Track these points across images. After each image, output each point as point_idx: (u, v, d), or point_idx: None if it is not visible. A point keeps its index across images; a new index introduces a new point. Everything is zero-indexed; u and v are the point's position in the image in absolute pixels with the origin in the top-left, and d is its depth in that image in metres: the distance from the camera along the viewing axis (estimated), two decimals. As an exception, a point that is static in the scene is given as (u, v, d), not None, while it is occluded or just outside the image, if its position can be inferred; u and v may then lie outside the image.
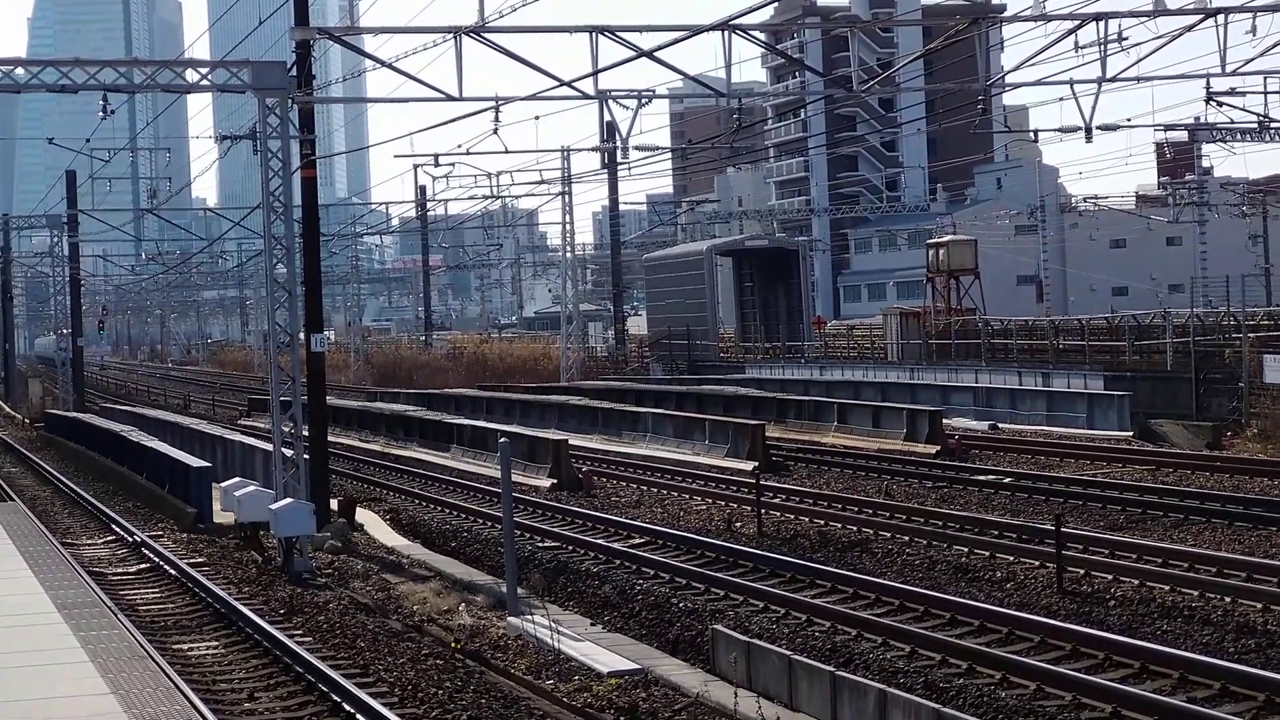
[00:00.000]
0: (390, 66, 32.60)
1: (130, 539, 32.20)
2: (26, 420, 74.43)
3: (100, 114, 34.42)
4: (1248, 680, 17.32)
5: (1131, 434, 46.33)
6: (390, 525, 34.41)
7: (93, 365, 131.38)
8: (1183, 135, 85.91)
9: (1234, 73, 36.84)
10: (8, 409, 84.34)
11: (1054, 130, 53.36)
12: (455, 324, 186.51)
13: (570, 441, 43.38)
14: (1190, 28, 34.09)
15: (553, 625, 21.21)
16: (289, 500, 28.93)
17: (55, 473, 47.40)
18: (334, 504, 33.74)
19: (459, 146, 57.03)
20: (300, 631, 22.24)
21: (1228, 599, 22.17)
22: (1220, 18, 33.67)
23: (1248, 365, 47.22)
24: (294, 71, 31.49)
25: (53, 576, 26.71)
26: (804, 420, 50.55)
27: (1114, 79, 34.99)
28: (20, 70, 30.64)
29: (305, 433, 31.69)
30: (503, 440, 24.53)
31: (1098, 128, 42.15)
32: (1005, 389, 54.81)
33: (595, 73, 32.29)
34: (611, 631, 22.57)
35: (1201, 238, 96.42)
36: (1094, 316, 70.74)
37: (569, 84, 32.58)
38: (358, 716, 17.22)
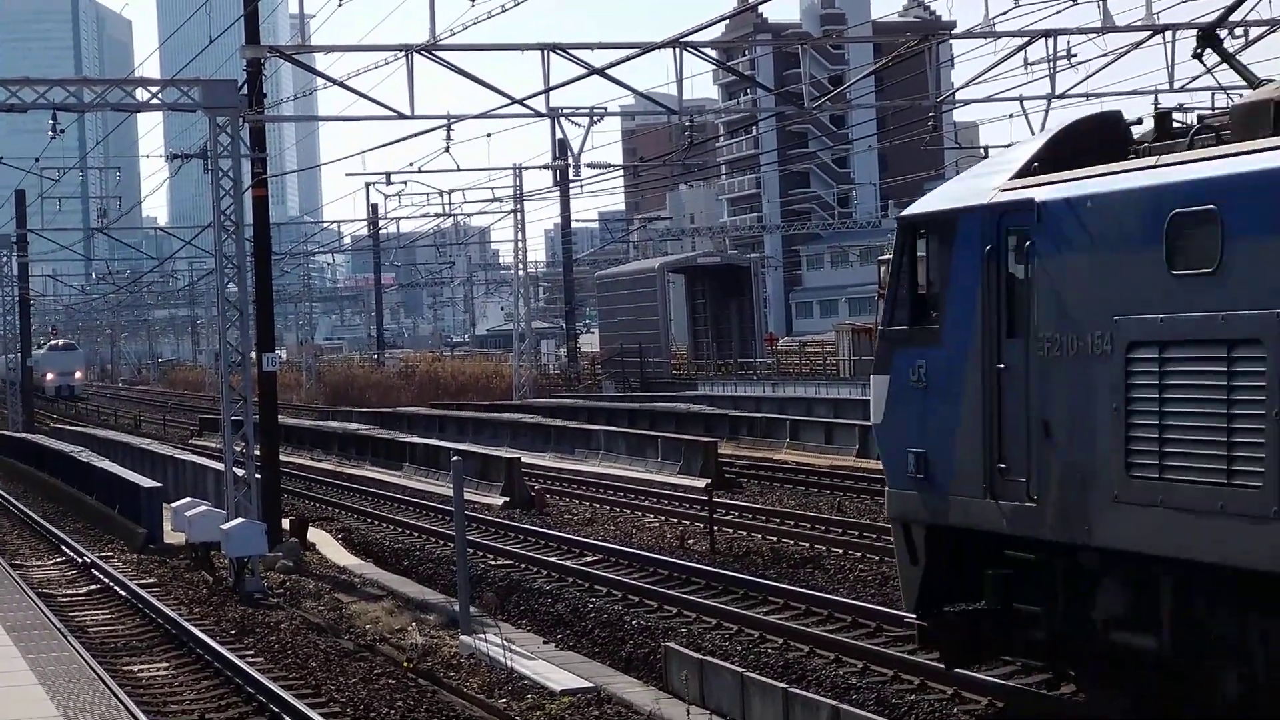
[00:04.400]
0: (342, 85, 32.59)
1: (80, 560, 32.02)
2: (-26, 441, 73.95)
3: (50, 133, 34.29)
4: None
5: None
6: (342, 544, 34.31)
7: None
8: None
9: (1182, 89, 37.10)
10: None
11: (1004, 146, 53.67)
12: (408, 342, 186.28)
13: (523, 459, 43.35)
14: (1138, 45, 34.34)
15: (505, 644, 21.18)
16: (240, 520, 28.82)
17: (3, 493, 47.08)
18: (286, 524, 33.62)
19: (411, 164, 57.05)
20: (251, 652, 22.15)
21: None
22: (1168, 35, 33.92)
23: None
24: (245, 90, 31.42)
25: (1, 598, 26.54)
26: (756, 437, 50.63)
27: (1063, 95, 35.23)
28: (-32, 89, 30.48)
29: (257, 452, 31.57)
30: (455, 459, 24.51)
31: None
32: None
33: (547, 90, 32.33)
34: (564, 649, 22.54)
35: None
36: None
37: (521, 102, 32.62)
38: (309, 737, 17.17)
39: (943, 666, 17.73)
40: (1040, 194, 15.47)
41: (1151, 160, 14.67)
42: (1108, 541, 14.52)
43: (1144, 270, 14.16)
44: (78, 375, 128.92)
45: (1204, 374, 13.64)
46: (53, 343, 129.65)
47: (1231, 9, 17.94)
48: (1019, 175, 16.19)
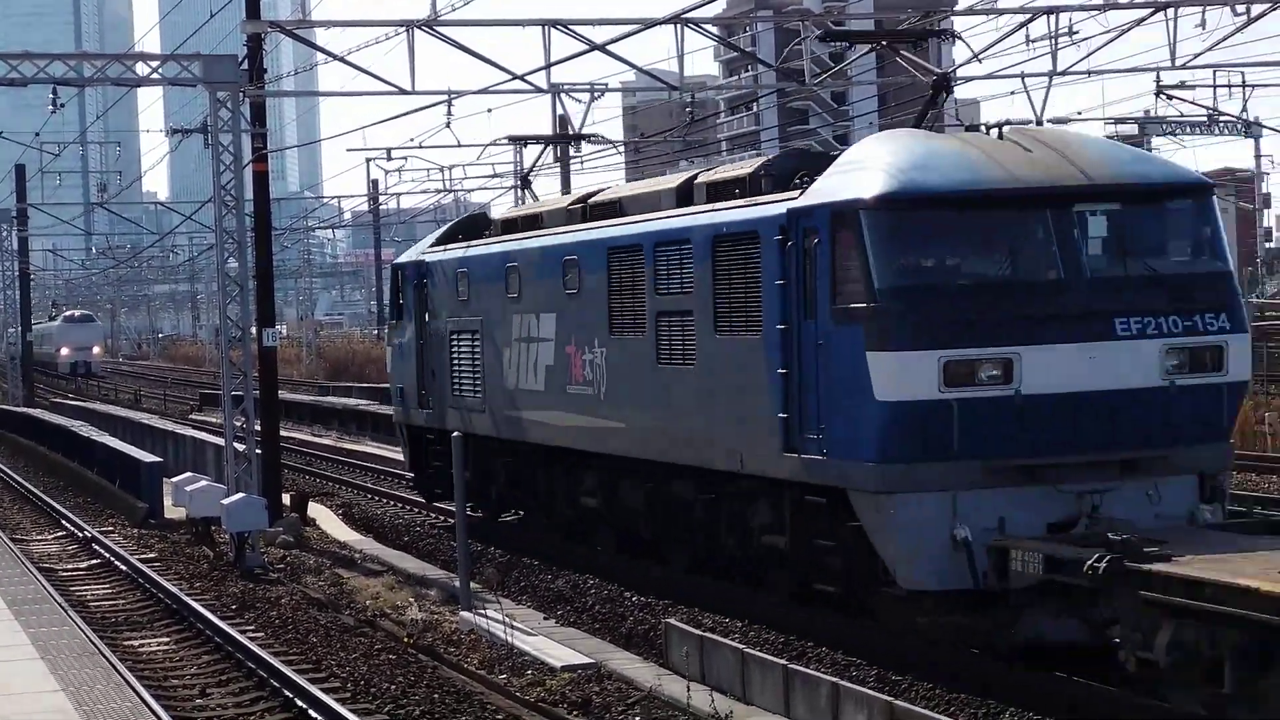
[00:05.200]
0: (342, 60, 32.51)
1: (81, 534, 32.06)
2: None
3: (50, 108, 34.21)
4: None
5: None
6: (343, 520, 34.34)
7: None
8: (1133, 129, 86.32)
9: (1183, 66, 37.03)
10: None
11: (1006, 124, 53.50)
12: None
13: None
14: (1140, 21, 34.25)
15: (505, 620, 21.19)
16: (241, 495, 28.83)
17: (4, 468, 47.12)
18: (286, 499, 33.63)
19: (411, 140, 57.05)
20: (252, 627, 22.18)
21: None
22: (1170, 11, 33.82)
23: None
24: (245, 65, 31.36)
25: (2, 573, 26.59)
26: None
27: (1065, 73, 35.13)
28: (-32, 63, 30.39)
29: (257, 427, 31.57)
30: (456, 434, 24.47)
31: (1049, 121, 42.25)
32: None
33: (548, 66, 32.24)
34: (565, 625, 22.56)
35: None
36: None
37: (521, 78, 32.53)
38: (310, 712, 17.18)
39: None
40: (428, 257, 31.42)
41: (460, 245, 30.34)
42: (449, 427, 28.45)
43: (453, 297, 29.79)
44: (95, 350, 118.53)
45: (468, 346, 29.19)
46: (68, 314, 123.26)
47: (528, 173, 35.30)
48: (431, 246, 31.96)
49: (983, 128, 20.20)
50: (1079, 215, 18.74)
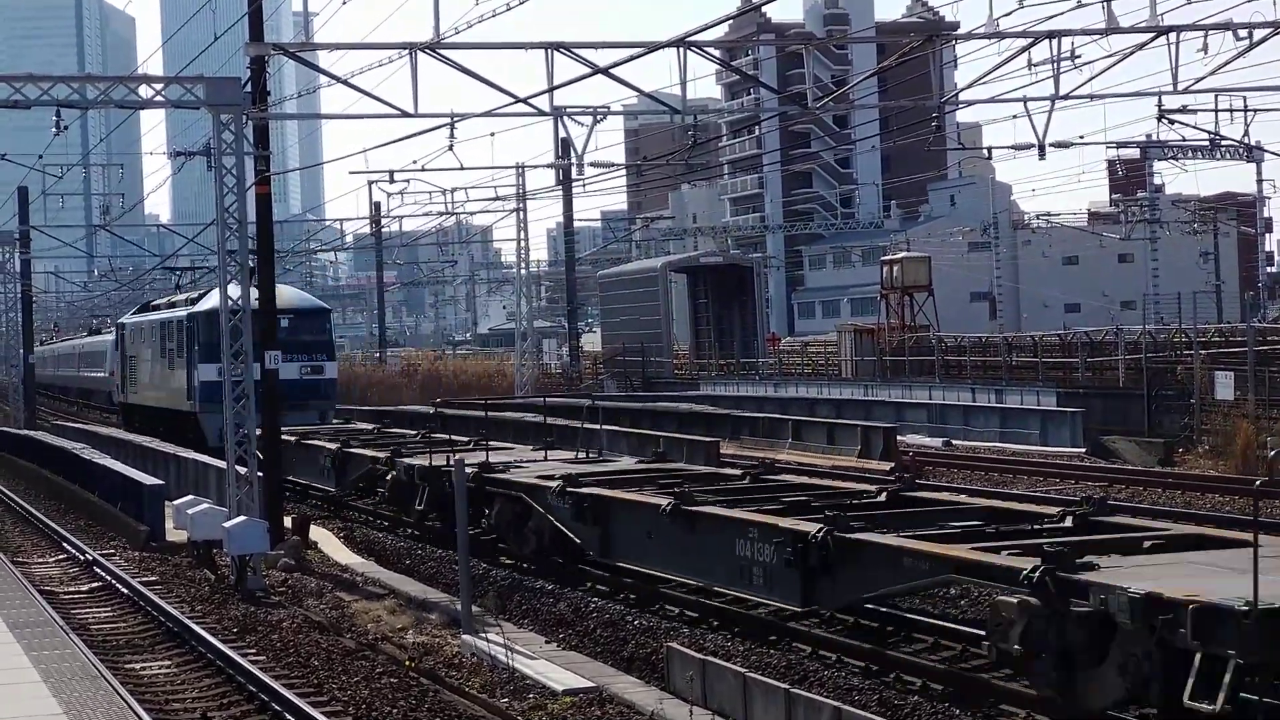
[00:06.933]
0: (345, 83, 32.58)
1: (82, 557, 32.01)
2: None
3: (53, 130, 34.28)
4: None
5: (1084, 450, 46.55)
6: (344, 543, 34.30)
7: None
8: (1135, 153, 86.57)
9: (1185, 90, 37.08)
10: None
11: (1007, 147, 53.76)
12: (409, 341, 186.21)
13: (525, 458, 43.58)
14: (1142, 46, 34.33)
15: (507, 643, 21.16)
16: (242, 518, 28.80)
17: (5, 490, 47.07)
18: (288, 522, 33.60)
19: (414, 163, 57.45)
20: (253, 650, 22.13)
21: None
22: (1172, 36, 33.90)
23: (1199, 382, 47.50)
24: (249, 88, 31.40)
25: (4, 595, 26.53)
26: (758, 437, 50.60)
27: (1067, 96, 35.19)
28: (-29, 86, 30.44)
29: (259, 450, 31.54)
30: (458, 458, 24.47)
31: (1051, 145, 42.40)
32: (959, 405, 54.97)
33: (551, 89, 32.31)
34: (566, 649, 22.51)
35: (1153, 255, 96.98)
36: (1047, 333, 71.06)
37: (524, 100, 32.60)
38: (311, 736, 17.16)
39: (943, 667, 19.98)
40: (124, 320, 67.13)
41: (135, 316, 65.44)
42: (130, 401, 63.85)
43: (126, 340, 64.98)
44: None
45: (130, 364, 63.20)
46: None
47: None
48: (129, 315, 66.34)
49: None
50: (284, 317, 43.20)
